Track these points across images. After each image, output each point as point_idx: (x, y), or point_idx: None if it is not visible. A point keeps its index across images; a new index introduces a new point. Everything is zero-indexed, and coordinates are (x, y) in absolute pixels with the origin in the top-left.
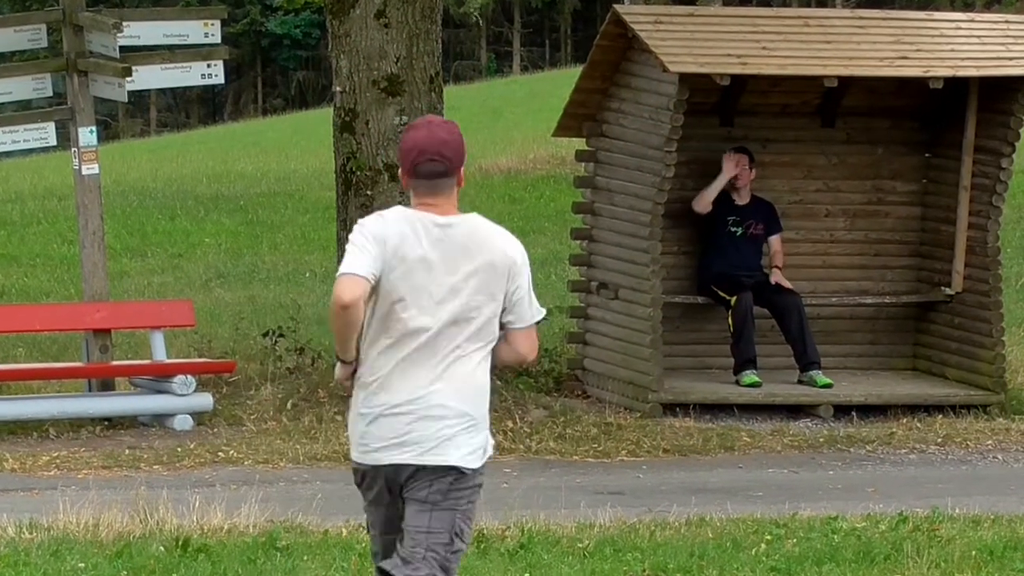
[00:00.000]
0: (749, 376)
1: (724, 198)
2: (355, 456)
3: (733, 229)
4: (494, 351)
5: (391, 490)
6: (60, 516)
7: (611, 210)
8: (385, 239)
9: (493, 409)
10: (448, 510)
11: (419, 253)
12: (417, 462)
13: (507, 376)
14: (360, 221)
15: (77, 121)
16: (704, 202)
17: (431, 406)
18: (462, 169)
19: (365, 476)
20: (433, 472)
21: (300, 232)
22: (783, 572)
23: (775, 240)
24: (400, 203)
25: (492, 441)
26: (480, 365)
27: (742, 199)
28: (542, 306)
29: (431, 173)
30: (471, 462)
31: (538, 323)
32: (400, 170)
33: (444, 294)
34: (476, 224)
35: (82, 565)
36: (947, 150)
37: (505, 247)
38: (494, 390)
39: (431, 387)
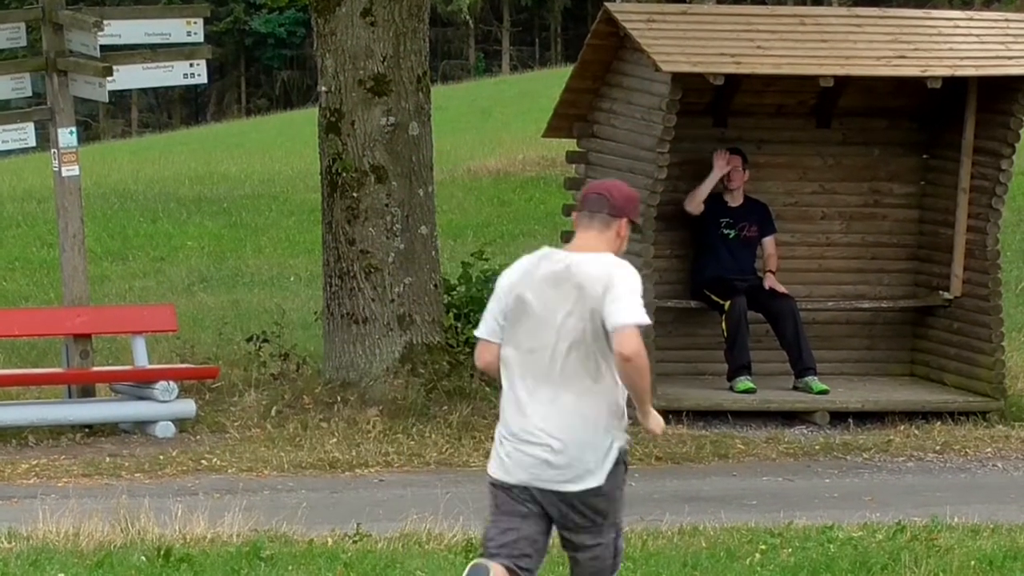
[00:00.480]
0: (743, 382)
1: (717, 200)
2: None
3: (726, 232)
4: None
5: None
6: (39, 525)
7: None
8: (508, 289)
9: (481, 416)
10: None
11: (531, 291)
12: (562, 489)
13: (496, 383)
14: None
15: (57, 122)
16: (695, 202)
17: (555, 437)
18: (623, 221)
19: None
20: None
21: (285, 235)
22: None
23: (769, 242)
24: (386, 206)
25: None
26: (596, 387)
27: (735, 201)
28: None
29: (592, 204)
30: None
31: (638, 326)
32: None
33: (556, 326)
34: (586, 257)
35: (62, 575)
36: (945, 151)
37: (601, 268)
38: (483, 396)
39: (552, 416)
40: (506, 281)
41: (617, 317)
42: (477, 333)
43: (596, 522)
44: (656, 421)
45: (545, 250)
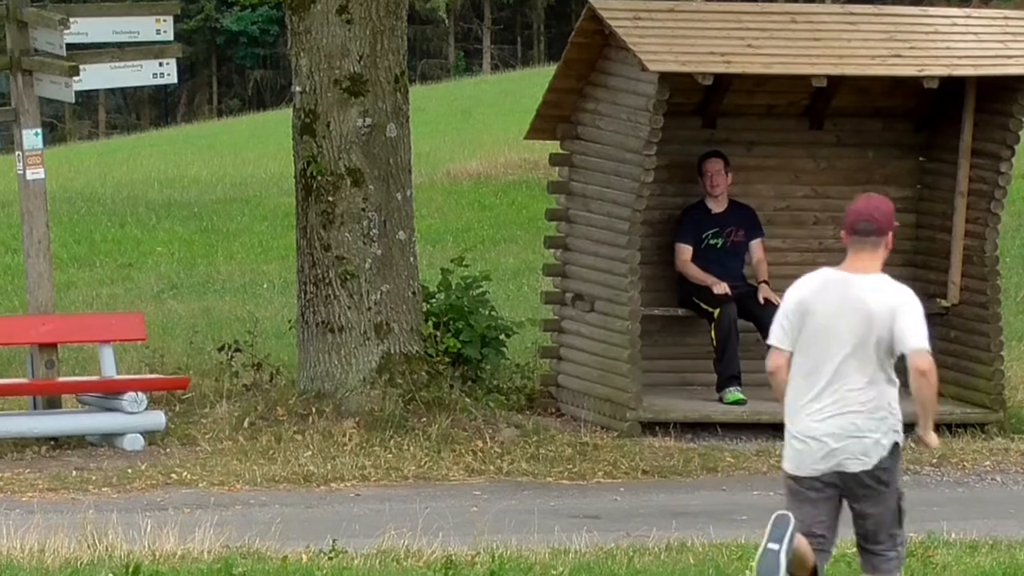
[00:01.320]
0: (733, 393)
1: (700, 208)
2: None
3: (713, 242)
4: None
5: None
6: (4, 541)
7: (587, 217)
8: (797, 302)
9: (461, 428)
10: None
11: (822, 305)
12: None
13: (476, 394)
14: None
15: (21, 123)
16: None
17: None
18: (889, 235)
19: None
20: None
21: (257, 240)
22: None
23: (756, 246)
24: (363, 210)
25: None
26: (869, 386)
27: (719, 206)
28: (511, 321)
29: (863, 231)
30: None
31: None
32: (842, 231)
33: (841, 335)
34: (874, 280)
35: None
36: (942, 154)
37: (888, 295)
38: (463, 408)
39: (834, 409)
40: (795, 296)
41: (911, 341)
42: (774, 342)
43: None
44: (934, 437)
45: (826, 271)
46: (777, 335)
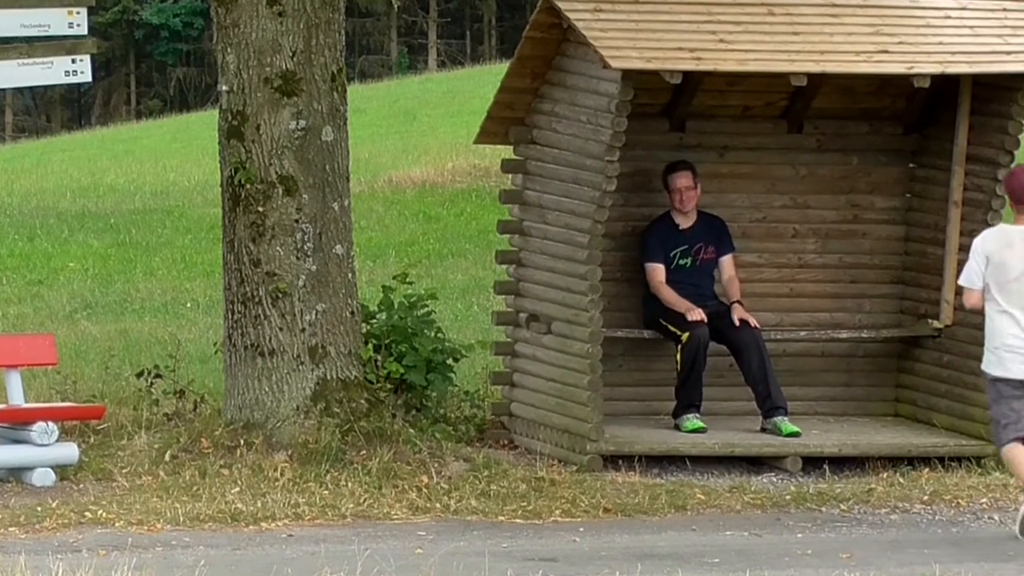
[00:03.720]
0: (692, 421)
1: (666, 223)
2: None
3: (682, 262)
4: None
5: None
6: None
7: (543, 230)
8: (984, 252)
9: (404, 462)
10: None
11: (1004, 252)
12: None
13: (421, 424)
14: (974, 243)
15: None
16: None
17: None
18: None
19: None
20: None
21: (180, 255)
22: None
23: (727, 262)
24: (296, 222)
25: None
26: None
27: (687, 221)
28: (459, 344)
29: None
30: None
31: None
32: (1008, 201)
33: (1016, 274)
34: None
35: None
36: (934, 159)
37: None
38: (406, 439)
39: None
40: (982, 248)
41: None
42: (964, 283)
43: None
44: None
45: (1004, 227)
46: (968, 278)
